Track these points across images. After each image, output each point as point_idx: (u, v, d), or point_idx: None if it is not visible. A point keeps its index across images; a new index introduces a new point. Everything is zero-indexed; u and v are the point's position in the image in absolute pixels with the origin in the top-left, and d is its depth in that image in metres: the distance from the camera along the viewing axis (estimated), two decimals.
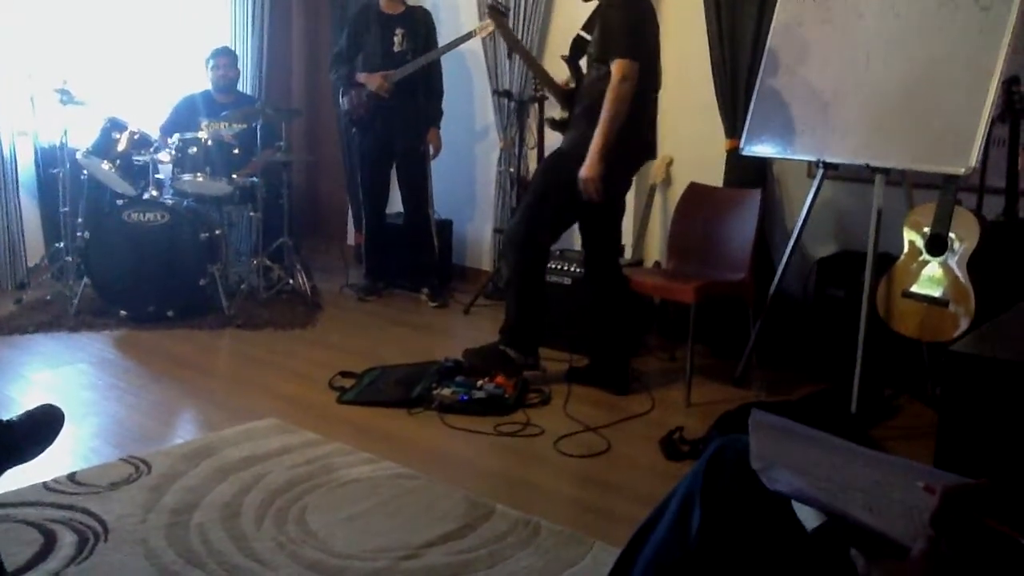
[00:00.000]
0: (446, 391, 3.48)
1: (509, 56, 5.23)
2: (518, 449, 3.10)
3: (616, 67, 3.36)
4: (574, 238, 5.16)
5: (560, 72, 3.84)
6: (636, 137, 3.54)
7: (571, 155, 3.52)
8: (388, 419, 3.31)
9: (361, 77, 4.98)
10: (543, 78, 3.89)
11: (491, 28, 4.83)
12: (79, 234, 4.56)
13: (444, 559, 2.27)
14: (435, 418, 3.33)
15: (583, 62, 3.68)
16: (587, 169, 3.40)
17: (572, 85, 3.73)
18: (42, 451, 2.24)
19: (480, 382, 3.56)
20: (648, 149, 3.69)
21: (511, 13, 5.26)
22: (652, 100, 3.61)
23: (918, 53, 3.32)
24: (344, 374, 3.74)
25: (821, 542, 1.13)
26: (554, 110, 5.16)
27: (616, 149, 3.42)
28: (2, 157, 4.96)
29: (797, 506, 1.18)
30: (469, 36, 4.85)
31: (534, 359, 3.76)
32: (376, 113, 4.99)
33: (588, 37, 3.59)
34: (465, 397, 3.44)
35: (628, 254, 4.64)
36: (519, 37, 4.84)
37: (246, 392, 3.55)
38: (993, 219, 3.44)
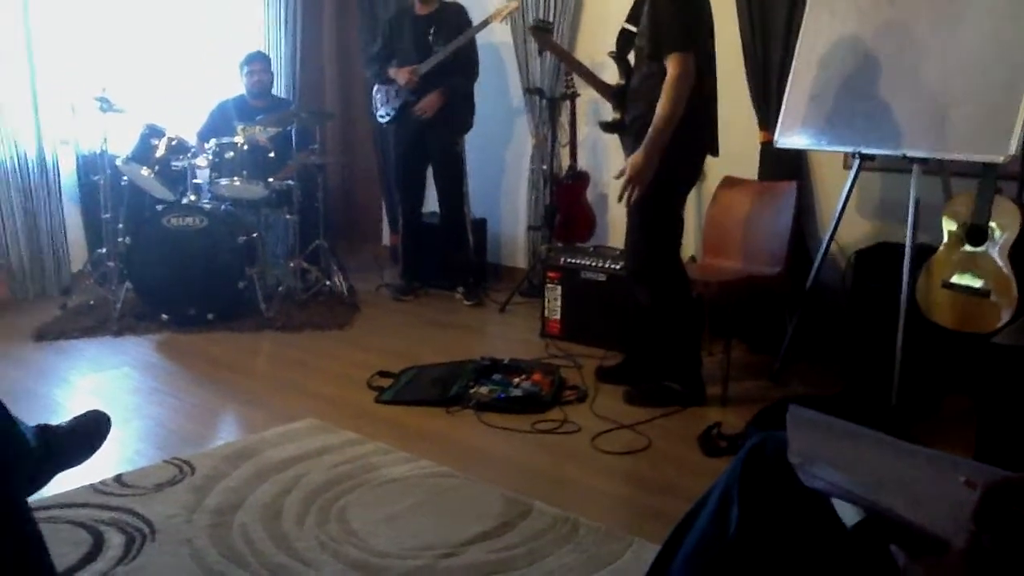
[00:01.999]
0: (483, 389, 3.50)
1: (540, 53, 5.23)
2: (555, 446, 3.11)
3: (672, 62, 3.14)
4: (608, 235, 5.17)
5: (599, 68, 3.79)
6: (698, 134, 3.34)
7: None
8: (426, 418, 3.33)
9: (391, 72, 5.02)
10: (592, 81, 3.67)
11: (506, 12, 4.84)
12: (120, 240, 4.64)
13: (483, 557, 2.28)
14: (472, 416, 3.34)
15: (631, 57, 3.46)
16: (641, 163, 3.20)
17: (622, 82, 3.48)
18: (89, 456, 2.28)
19: (517, 380, 3.58)
20: (710, 146, 3.43)
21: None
22: (712, 92, 3.38)
23: (953, 41, 3.27)
24: (382, 374, 3.76)
25: (861, 538, 1.12)
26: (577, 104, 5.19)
27: (680, 147, 3.23)
28: (45, 166, 5.07)
29: (837, 502, 1.17)
30: (486, 23, 4.88)
31: (701, 390, 3.52)
32: (408, 111, 5.01)
33: (634, 30, 3.36)
34: (502, 395, 3.45)
35: None
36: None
37: (285, 393, 3.59)
38: None
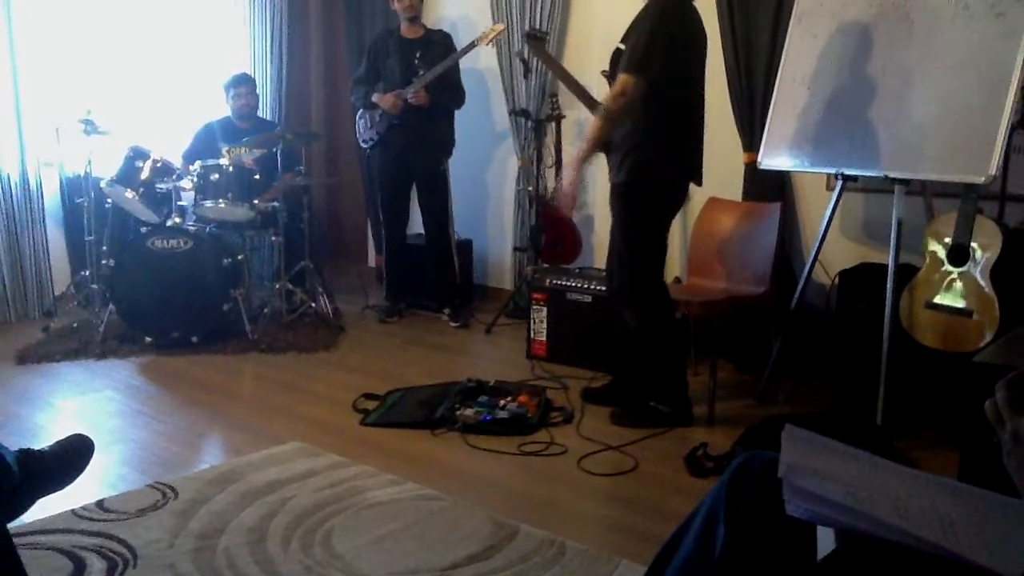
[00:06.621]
0: (469, 411, 3.49)
1: (525, 76, 5.26)
2: (542, 468, 3.10)
3: (619, 80, 3.21)
4: (594, 256, 5.19)
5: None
6: (682, 160, 3.39)
7: (631, 185, 3.36)
8: (412, 440, 3.32)
9: (375, 97, 5.04)
10: (582, 96, 3.70)
11: (492, 35, 4.87)
12: (104, 262, 4.62)
13: None
14: (458, 439, 3.33)
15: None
16: (564, 180, 3.26)
17: None
18: (73, 480, 2.27)
19: (503, 402, 3.57)
20: (694, 173, 3.47)
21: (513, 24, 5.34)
22: (698, 121, 3.43)
23: (934, 62, 3.31)
24: (367, 396, 3.75)
25: (841, 561, 1.12)
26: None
27: (665, 176, 3.30)
28: (28, 188, 5.05)
29: (819, 529, 1.17)
30: (472, 46, 4.91)
31: (687, 411, 3.53)
32: (391, 133, 5.04)
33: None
34: (488, 417, 3.44)
35: None
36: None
37: (270, 416, 3.57)
38: (1015, 227, 3.41)
